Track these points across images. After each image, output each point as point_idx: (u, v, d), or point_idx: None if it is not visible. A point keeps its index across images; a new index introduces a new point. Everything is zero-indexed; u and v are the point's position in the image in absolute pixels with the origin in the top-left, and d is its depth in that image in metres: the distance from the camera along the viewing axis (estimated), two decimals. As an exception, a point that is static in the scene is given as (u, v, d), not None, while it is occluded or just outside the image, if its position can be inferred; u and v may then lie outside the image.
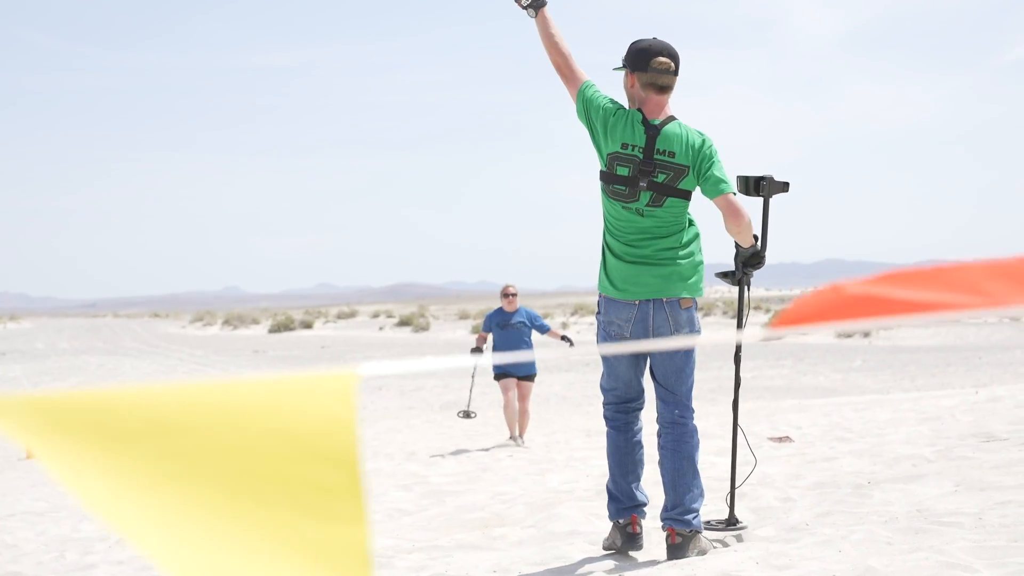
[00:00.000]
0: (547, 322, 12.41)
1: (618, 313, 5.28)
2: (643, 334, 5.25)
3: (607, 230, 5.36)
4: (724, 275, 5.60)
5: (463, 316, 61.20)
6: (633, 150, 5.18)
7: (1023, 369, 22.00)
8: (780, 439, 9.87)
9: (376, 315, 68.38)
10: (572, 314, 56.77)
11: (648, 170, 5.17)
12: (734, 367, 5.85)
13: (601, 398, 5.64)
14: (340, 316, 69.47)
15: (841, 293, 1.43)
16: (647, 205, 5.20)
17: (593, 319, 28.83)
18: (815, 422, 11.22)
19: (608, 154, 5.22)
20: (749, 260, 5.52)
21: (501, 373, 12.03)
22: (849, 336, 36.06)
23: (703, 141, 5.25)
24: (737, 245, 5.48)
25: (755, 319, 46.72)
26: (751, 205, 5.48)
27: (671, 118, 5.28)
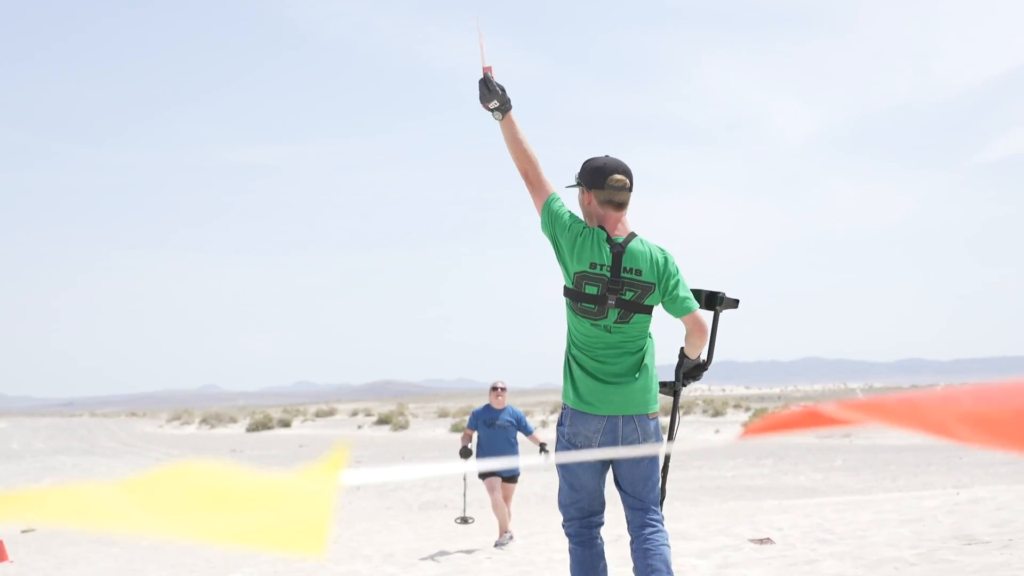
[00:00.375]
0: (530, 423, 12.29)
1: (586, 425, 5.27)
2: (612, 444, 5.25)
3: (573, 344, 5.37)
4: (663, 385, 5.57)
5: (442, 414, 60.89)
6: (601, 269, 5.23)
7: (1003, 470, 21.99)
8: (761, 541, 9.79)
9: (355, 413, 67.94)
10: (552, 412, 56.59)
11: (616, 288, 5.23)
12: (661, 477, 5.70)
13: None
14: (319, 414, 69.01)
15: (814, 413, 1.43)
16: (615, 322, 5.26)
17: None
18: (796, 523, 11.15)
19: (575, 273, 5.26)
20: (692, 371, 5.59)
21: (487, 472, 11.81)
22: (830, 435, 36.01)
23: (666, 258, 5.36)
24: (684, 356, 5.53)
25: (735, 417, 46.67)
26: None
27: (632, 235, 5.35)
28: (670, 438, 5.54)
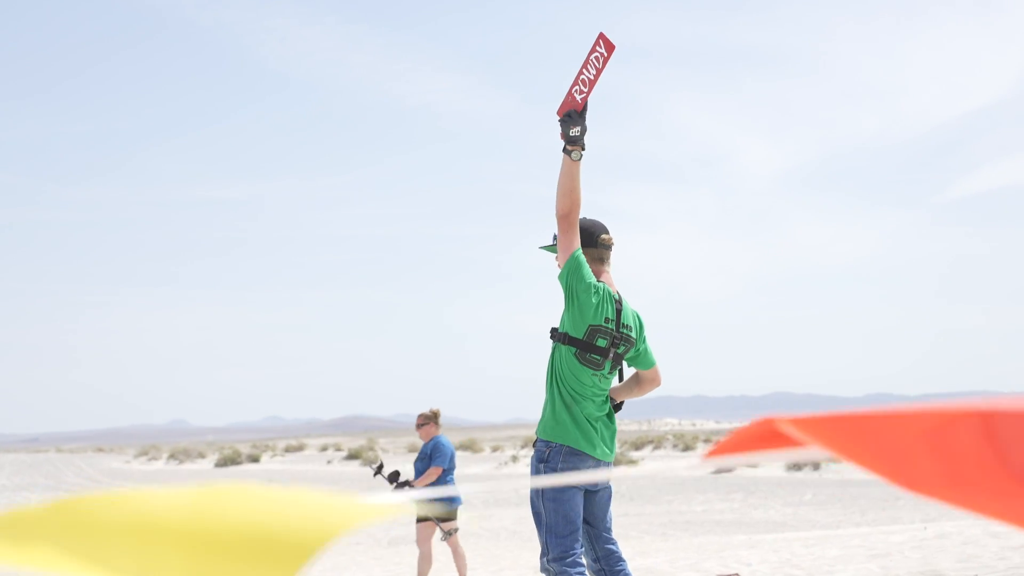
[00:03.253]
0: (454, 460, 10.89)
1: (583, 463, 5.50)
2: (595, 487, 5.59)
3: (571, 389, 5.56)
4: None
5: (412, 449, 60.68)
6: (610, 324, 5.56)
7: (971, 503, 22.08)
8: (730, 576, 9.82)
9: (324, 448, 67.64)
10: (523, 447, 56.52)
11: (618, 342, 5.60)
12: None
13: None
14: (288, 450, 68.67)
15: (771, 426, 1.46)
16: (607, 373, 5.62)
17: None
18: (765, 558, 11.19)
19: (591, 325, 5.51)
20: (616, 408, 5.86)
21: (421, 516, 10.75)
22: (799, 469, 36.13)
23: (640, 317, 5.80)
24: (616, 401, 5.83)
25: (704, 451, 46.74)
26: None
27: (618, 293, 5.69)
28: None
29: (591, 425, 5.53)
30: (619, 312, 5.60)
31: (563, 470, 5.43)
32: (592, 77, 5.44)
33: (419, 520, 10.80)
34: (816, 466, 36.00)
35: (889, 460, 1.40)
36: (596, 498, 5.61)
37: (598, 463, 5.53)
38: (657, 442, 51.48)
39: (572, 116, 5.42)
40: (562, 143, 5.44)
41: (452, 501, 10.70)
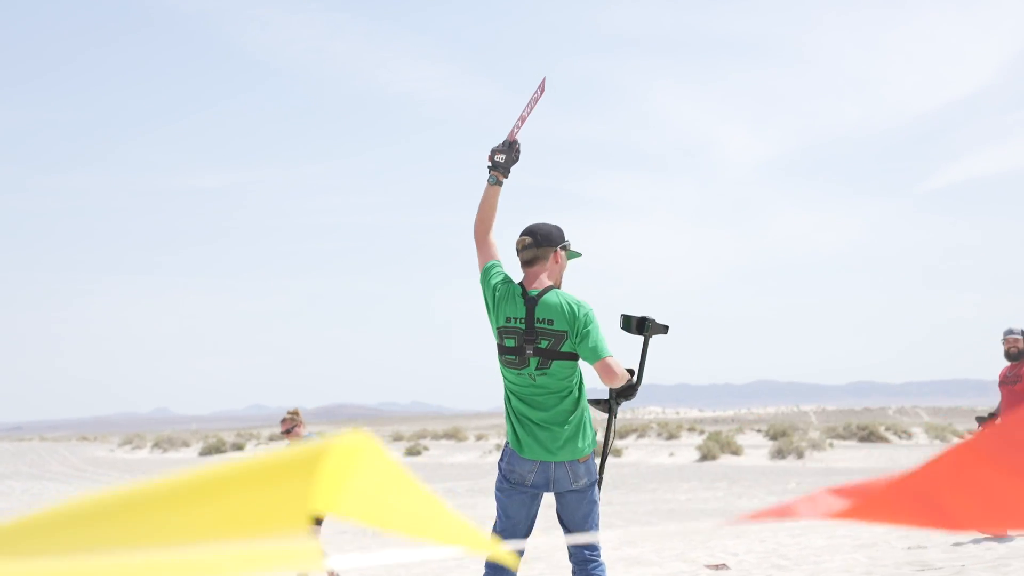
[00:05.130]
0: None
1: (520, 466, 5.70)
2: (544, 485, 5.69)
3: (508, 391, 5.80)
4: (596, 403, 5.96)
5: (396, 437, 60.68)
6: (516, 322, 5.68)
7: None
8: (717, 567, 9.84)
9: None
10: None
11: (531, 338, 5.65)
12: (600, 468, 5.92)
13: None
14: (272, 438, 68.50)
15: (812, 506, 1.45)
16: (536, 369, 5.66)
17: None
18: (751, 548, 11.21)
19: (497, 328, 5.74)
20: (623, 392, 5.89)
21: None
22: (783, 457, 36.21)
23: (579, 308, 5.69)
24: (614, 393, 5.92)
25: (689, 440, 46.82)
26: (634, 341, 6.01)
27: (548, 288, 5.77)
28: (604, 452, 5.95)
29: (528, 427, 5.68)
30: (531, 308, 5.68)
31: (506, 471, 5.72)
32: (527, 114, 5.89)
33: None
34: (800, 455, 36.08)
35: (933, 511, 1.40)
36: (563, 500, 5.76)
37: (541, 464, 5.65)
38: (641, 430, 51.50)
39: (509, 145, 5.85)
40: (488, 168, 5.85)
41: None
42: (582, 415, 5.75)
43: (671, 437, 49.08)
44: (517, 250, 5.84)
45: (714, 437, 41.06)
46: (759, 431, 52.08)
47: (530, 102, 5.90)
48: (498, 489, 5.77)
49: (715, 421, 75.50)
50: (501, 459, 5.80)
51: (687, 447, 42.50)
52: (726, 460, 37.05)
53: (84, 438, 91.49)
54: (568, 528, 5.84)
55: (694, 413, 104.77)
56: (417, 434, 61.84)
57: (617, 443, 46.10)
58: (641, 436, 50.23)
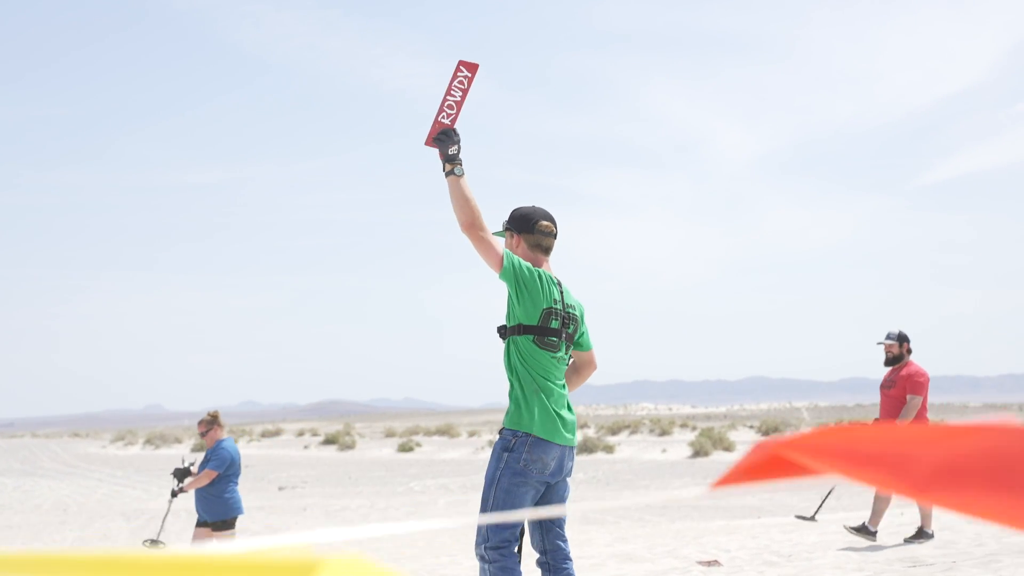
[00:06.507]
0: (238, 466, 10.85)
1: (547, 452, 5.51)
2: (559, 473, 5.60)
3: (535, 377, 5.59)
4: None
5: (389, 434, 60.65)
6: (559, 305, 5.64)
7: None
8: (709, 563, 9.84)
9: (301, 433, 67.43)
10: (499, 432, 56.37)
11: (568, 322, 5.68)
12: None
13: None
14: (264, 435, 68.45)
15: (773, 452, 1.44)
16: (564, 354, 5.69)
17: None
18: (743, 544, 11.22)
19: (544, 309, 5.58)
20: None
21: (200, 521, 10.59)
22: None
23: (580, 303, 5.85)
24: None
25: (681, 436, 46.84)
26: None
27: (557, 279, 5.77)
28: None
29: (555, 412, 5.57)
30: (562, 293, 5.70)
31: (526, 460, 5.47)
32: (459, 99, 5.68)
33: (198, 524, 10.57)
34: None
35: (890, 468, 1.39)
36: (554, 490, 5.62)
37: (563, 449, 5.57)
38: (634, 427, 51.54)
39: (448, 135, 5.60)
40: (442, 167, 5.58)
41: (233, 510, 10.52)
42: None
43: (663, 433, 49.11)
44: (542, 233, 5.76)
45: (706, 433, 41.09)
46: (752, 427, 52.16)
47: (453, 88, 5.68)
48: (511, 483, 5.44)
49: (707, 417, 75.53)
50: (511, 449, 5.49)
51: (679, 443, 42.53)
52: (718, 456, 37.09)
53: (76, 434, 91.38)
54: (555, 522, 5.71)
55: (686, 409, 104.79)
56: (410, 430, 61.79)
57: (609, 439, 46.12)
58: (633, 432, 50.24)
